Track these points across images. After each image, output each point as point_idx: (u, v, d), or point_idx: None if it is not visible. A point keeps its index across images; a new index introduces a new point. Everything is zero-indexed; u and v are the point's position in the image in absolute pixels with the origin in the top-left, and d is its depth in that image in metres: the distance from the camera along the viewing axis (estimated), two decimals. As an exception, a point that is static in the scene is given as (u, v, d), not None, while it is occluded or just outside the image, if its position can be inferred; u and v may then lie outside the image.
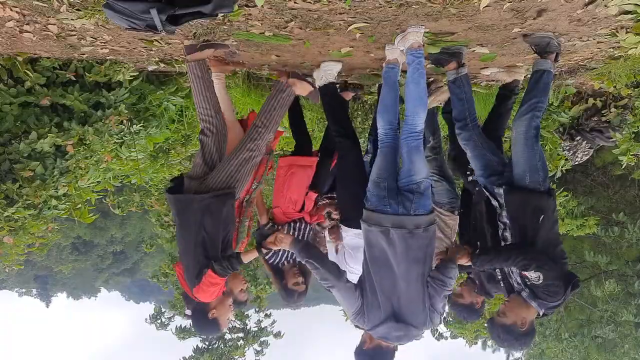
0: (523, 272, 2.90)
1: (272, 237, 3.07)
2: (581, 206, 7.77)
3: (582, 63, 3.73)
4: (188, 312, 3.18)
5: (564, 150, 5.60)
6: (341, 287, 2.91)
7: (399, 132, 3.07)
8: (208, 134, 3.16)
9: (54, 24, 2.78)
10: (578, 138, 5.37)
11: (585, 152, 5.56)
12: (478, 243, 3.48)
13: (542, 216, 2.92)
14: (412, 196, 2.82)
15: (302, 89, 3.45)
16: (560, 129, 5.49)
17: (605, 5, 2.49)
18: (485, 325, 7.25)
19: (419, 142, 2.95)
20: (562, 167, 5.79)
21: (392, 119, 3.07)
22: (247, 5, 2.48)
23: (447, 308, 3.06)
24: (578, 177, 9.03)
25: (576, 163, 5.82)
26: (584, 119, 5.29)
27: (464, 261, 3.03)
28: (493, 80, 4.39)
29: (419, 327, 2.85)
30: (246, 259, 3.09)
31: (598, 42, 3.11)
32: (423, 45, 2.89)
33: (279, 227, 3.75)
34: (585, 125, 5.27)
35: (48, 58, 3.61)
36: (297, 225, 3.80)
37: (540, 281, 2.83)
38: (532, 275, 2.85)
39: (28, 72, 3.55)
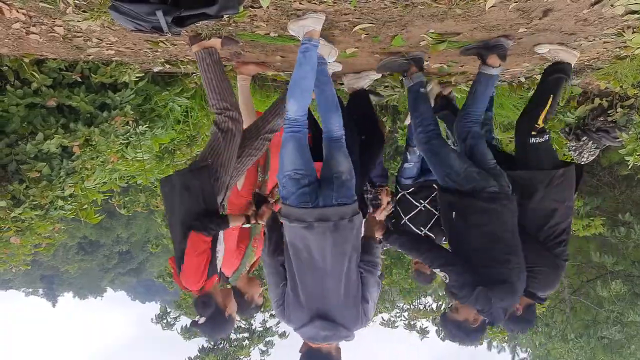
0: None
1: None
2: (587, 206, 7.74)
3: (588, 63, 3.72)
4: (203, 319, 2.85)
5: (570, 151, 5.57)
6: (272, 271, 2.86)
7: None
8: (224, 128, 3.01)
9: (60, 26, 2.80)
10: (584, 138, 5.35)
11: (592, 152, 5.53)
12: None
13: (454, 213, 3.00)
14: (334, 186, 2.68)
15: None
16: (566, 129, 5.46)
17: (612, 5, 2.48)
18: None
19: (340, 143, 2.88)
20: (568, 167, 5.76)
21: (307, 105, 2.87)
22: (252, 7, 2.49)
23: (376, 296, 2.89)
24: (584, 177, 8.99)
25: (582, 163, 5.79)
26: (590, 119, 5.26)
27: (379, 234, 3.03)
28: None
29: (350, 326, 2.70)
30: (233, 222, 2.95)
31: (604, 42, 3.10)
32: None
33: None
34: (591, 125, 5.24)
35: (54, 59, 3.62)
36: None
37: (447, 281, 2.86)
38: (440, 273, 2.93)
39: (34, 73, 3.57)
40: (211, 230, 2.79)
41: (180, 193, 2.86)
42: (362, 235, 2.89)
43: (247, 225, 3.28)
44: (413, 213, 3.82)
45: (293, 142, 2.73)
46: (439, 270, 2.89)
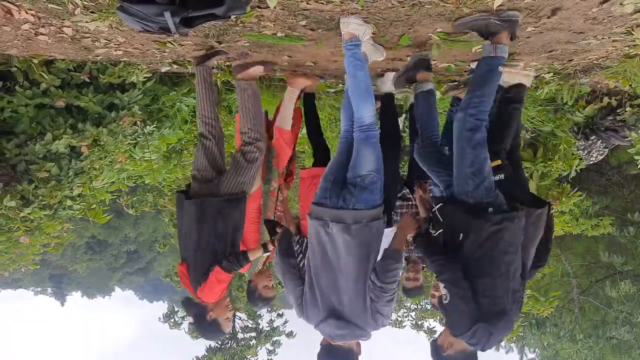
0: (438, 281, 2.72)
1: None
2: (596, 206, 7.69)
3: (597, 62, 3.69)
4: (191, 319, 3.24)
5: (578, 150, 5.54)
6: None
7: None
8: (211, 138, 3.25)
9: (69, 27, 2.81)
10: (593, 137, 5.32)
11: (600, 152, 5.50)
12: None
13: (462, 234, 2.61)
14: (354, 190, 2.67)
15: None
16: (575, 129, 5.44)
17: (621, 4, 2.46)
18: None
19: (367, 134, 2.79)
20: (576, 166, 5.73)
21: (351, 115, 2.92)
22: (259, 7, 2.49)
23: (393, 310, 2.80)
24: (592, 177, 8.94)
25: (591, 162, 5.76)
26: (598, 118, 5.23)
27: (411, 233, 2.93)
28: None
29: (364, 327, 2.71)
30: (252, 256, 3.17)
31: (613, 41, 3.07)
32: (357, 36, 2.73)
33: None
34: (600, 124, 5.22)
35: (63, 60, 3.64)
36: None
37: (446, 301, 2.59)
38: (443, 290, 2.62)
39: (43, 74, 3.59)
40: (235, 271, 3.10)
41: (213, 218, 3.08)
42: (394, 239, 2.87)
43: (267, 254, 3.44)
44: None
45: (342, 146, 2.94)
46: (442, 286, 2.64)
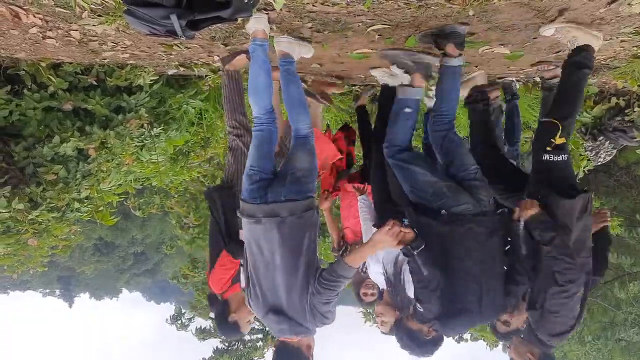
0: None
1: None
2: (604, 207, 7.64)
3: (605, 62, 3.67)
4: (212, 314, 3.29)
5: (586, 151, 5.51)
6: None
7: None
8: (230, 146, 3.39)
9: (76, 30, 2.83)
10: (601, 138, 5.29)
11: (609, 152, 5.47)
12: None
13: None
14: (286, 181, 2.66)
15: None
16: (583, 129, 5.41)
17: (629, 4, 2.44)
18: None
19: (304, 141, 2.87)
20: (584, 167, 5.70)
21: (267, 101, 2.87)
22: (265, 9, 2.49)
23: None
24: (601, 178, 8.89)
25: (599, 163, 5.73)
26: (607, 118, 5.20)
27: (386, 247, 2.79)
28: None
29: (302, 322, 2.67)
30: None
31: (621, 41, 3.06)
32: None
33: (349, 246, 3.84)
34: (608, 125, 5.19)
35: (70, 63, 3.66)
36: None
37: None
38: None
39: (51, 77, 3.61)
40: (238, 257, 3.09)
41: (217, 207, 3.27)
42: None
43: None
44: None
45: (254, 140, 2.83)
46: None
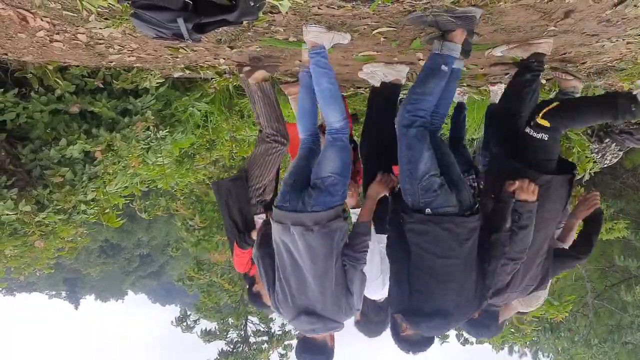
0: None
1: None
2: (610, 209, 7.63)
3: (611, 64, 3.66)
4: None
5: (592, 153, 5.49)
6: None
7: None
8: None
9: (83, 33, 2.85)
10: (607, 140, 5.28)
11: (615, 155, 5.46)
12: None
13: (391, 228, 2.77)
14: (313, 192, 2.72)
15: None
16: (589, 131, 5.40)
17: (635, 5, 2.44)
18: (511, 330, 7.17)
19: (334, 137, 2.87)
20: (590, 169, 5.68)
21: (308, 125, 3.10)
22: (271, 12, 2.50)
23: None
24: (607, 180, 8.86)
25: (605, 165, 5.71)
26: (613, 120, 5.18)
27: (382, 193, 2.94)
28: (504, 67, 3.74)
29: (336, 318, 2.77)
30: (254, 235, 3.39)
31: (628, 43, 3.05)
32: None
33: None
34: (614, 127, 5.17)
35: (77, 66, 3.68)
36: None
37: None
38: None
39: (58, 80, 3.63)
40: (245, 248, 3.44)
41: (224, 197, 3.57)
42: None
43: None
44: None
45: (297, 155, 3.05)
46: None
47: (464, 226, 2.58)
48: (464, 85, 4.65)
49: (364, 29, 2.74)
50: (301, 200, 2.70)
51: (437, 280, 2.61)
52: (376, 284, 3.20)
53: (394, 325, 2.79)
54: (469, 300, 2.68)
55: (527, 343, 9.05)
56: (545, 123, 2.75)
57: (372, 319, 3.22)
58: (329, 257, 2.68)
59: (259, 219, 3.54)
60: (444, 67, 2.63)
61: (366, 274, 2.89)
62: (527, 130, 2.82)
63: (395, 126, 2.74)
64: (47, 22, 2.66)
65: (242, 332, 9.35)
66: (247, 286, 3.62)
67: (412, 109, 2.64)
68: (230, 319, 9.25)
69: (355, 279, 2.75)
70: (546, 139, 2.78)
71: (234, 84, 4.44)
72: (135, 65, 3.81)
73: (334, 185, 2.75)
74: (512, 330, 7.08)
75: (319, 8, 2.44)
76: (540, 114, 2.76)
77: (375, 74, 3.56)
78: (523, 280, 2.94)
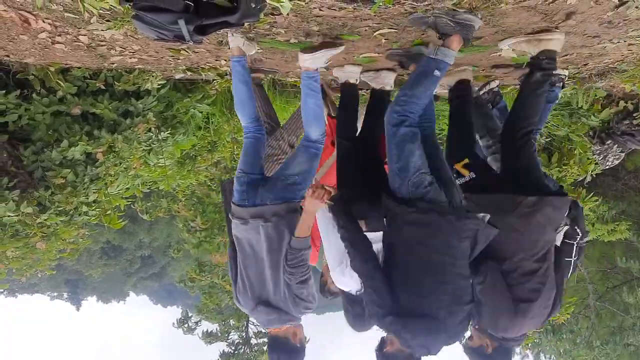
0: None
1: None
2: (612, 211, 7.60)
3: (612, 65, 3.66)
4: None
5: (594, 154, 5.49)
6: None
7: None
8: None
9: (85, 35, 2.85)
10: (609, 142, 5.27)
11: (617, 156, 5.45)
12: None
13: (385, 218, 2.65)
14: (274, 187, 2.92)
15: None
16: (590, 133, 5.39)
17: (637, 7, 2.43)
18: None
19: (308, 145, 3.06)
20: (592, 171, 5.67)
21: (251, 112, 3.13)
22: (272, 14, 2.50)
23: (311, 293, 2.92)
24: (608, 181, 8.84)
25: (607, 167, 5.71)
26: (614, 122, 5.18)
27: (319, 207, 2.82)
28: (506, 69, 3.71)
29: (288, 311, 2.88)
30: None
31: (629, 44, 3.05)
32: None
33: None
34: (616, 128, 5.17)
35: (79, 68, 3.69)
36: None
37: (362, 292, 2.70)
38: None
39: (60, 81, 3.64)
40: None
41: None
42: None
43: None
44: None
45: (243, 147, 3.11)
46: (358, 276, 2.58)
47: (464, 223, 2.48)
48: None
49: (365, 30, 2.74)
50: (259, 195, 2.87)
51: (431, 279, 2.45)
52: (337, 272, 3.16)
53: (380, 344, 2.57)
54: (460, 309, 2.47)
55: (529, 345, 9.04)
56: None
57: (348, 310, 3.26)
58: (280, 250, 2.82)
59: None
60: (436, 72, 2.62)
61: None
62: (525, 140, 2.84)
63: (385, 126, 2.71)
64: (49, 24, 2.67)
65: (244, 334, 9.35)
66: None
67: (401, 110, 2.64)
68: (231, 321, 9.25)
69: (297, 290, 2.86)
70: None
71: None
72: (136, 66, 3.81)
73: (296, 185, 2.96)
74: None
75: (320, 9, 2.44)
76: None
77: (352, 75, 3.58)
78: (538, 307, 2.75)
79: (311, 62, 2.90)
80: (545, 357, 10.55)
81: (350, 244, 2.61)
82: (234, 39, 2.87)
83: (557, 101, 3.62)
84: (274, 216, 2.81)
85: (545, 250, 2.75)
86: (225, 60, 3.63)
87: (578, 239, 3.01)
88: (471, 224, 2.50)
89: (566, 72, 3.49)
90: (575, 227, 2.99)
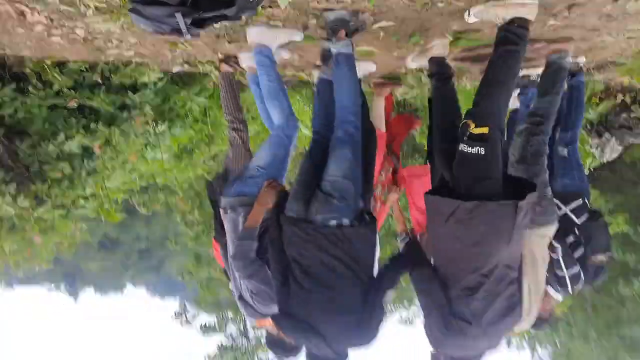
0: None
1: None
2: (609, 204, 7.62)
3: (611, 59, 3.65)
4: None
5: (592, 148, 5.49)
6: None
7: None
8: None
9: (81, 28, 2.83)
10: (606, 135, 5.27)
11: (614, 149, 5.45)
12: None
13: None
14: (242, 179, 2.87)
15: None
16: (588, 126, 5.39)
17: (636, 0, 2.43)
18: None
19: (274, 133, 2.97)
20: (589, 164, 5.68)
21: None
22: (270, 7, 2.49)
23: None
24: (606, 175, 8.85)
25: (605, 161, 5.71)
26: (612, 115, 5.18)
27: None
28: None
29: (254, 305, 2.83)
30: None
31: (628, 38, 3.04)
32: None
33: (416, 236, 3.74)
34: (613, 121, 5.17)
35: (75, 61, 3.67)
36: None
37: None
38: None
39: (56, 75, 3.62)
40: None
41: None
42: None
43: None
44: None
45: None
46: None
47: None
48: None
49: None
50: (232, 186, 2.87)
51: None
52: None
53: None
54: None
55: (526, 337, 9.10)
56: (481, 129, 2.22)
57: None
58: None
59: None
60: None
61: None
62: (462, 147, 2.23)
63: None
64: (45, 16, 2.65)
65: (241, 326, 9.38)
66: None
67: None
68: (229, 313, 9.27)
69: (244, 279, 2.74)
70: (483, 152, 2.19)
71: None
72: (133, 60, 3.79)
73: (252, 178, 2.83)
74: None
75: (318, 2, 2.43)
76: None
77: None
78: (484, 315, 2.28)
79: (258, 35, 2.76)
80: (540, 348, 10.63)
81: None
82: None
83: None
84: (240, 206, 2.76)
85: (493, 266, 2.24)
86: (223, 54, 3.61)
87: (559, 253, 2.83)
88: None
89: (583, 59, 3.42)
90: (555, 241, 2.74)
